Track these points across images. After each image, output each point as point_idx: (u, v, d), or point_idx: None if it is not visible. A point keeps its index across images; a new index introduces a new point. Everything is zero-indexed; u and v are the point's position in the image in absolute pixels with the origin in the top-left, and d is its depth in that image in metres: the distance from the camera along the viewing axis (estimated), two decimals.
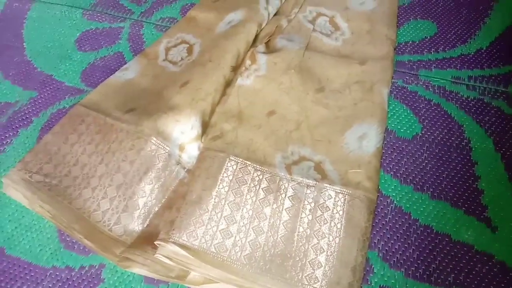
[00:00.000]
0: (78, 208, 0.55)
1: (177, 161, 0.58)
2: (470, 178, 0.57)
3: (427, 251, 0.52)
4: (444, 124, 0.62)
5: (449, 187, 0.57)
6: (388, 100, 0.64)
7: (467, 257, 0.52)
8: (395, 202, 0.56)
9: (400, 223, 0.54)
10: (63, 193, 0.56)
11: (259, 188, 0.55)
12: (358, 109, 0.63)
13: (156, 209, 0.55)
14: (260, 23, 0.72)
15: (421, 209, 0.55)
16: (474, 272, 0.51)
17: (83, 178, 0.57)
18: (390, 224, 0.54)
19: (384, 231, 0.54)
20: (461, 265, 0.51)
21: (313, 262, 0.50)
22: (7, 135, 0.64)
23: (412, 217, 0.55)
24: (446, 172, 0.58)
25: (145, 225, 0.54)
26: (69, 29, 0.77)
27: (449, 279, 0.51)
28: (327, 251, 0.50)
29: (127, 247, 0.53)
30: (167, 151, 0.58)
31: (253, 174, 0.56)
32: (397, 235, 0.54)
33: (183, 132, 0.59)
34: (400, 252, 0.53)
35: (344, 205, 0.54)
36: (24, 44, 0.76)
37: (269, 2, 0.76)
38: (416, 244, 0.53)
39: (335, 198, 0.54)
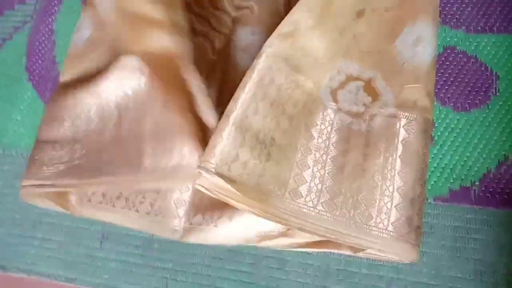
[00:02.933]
0: None
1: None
2: None
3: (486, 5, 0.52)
4: None
5: None
6: None
7: None
8: None
9: None
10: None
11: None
12: (407, 4, 0.50)
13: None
14: None
15: None
16: None
17: None
18: None
19: None
20: None
21: (366, 198, 0.44)
22: None
23: None
24: None
25: None
26: None
27: (510, 27, 0.51)
28: (381, 186, 0.44)
29: None
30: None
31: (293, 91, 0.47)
32: None
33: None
34: (459, 12, 0.53)
35: (399, 131, 0.45)
36: None
37: None
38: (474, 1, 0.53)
39: (388, 124, 0.46)
